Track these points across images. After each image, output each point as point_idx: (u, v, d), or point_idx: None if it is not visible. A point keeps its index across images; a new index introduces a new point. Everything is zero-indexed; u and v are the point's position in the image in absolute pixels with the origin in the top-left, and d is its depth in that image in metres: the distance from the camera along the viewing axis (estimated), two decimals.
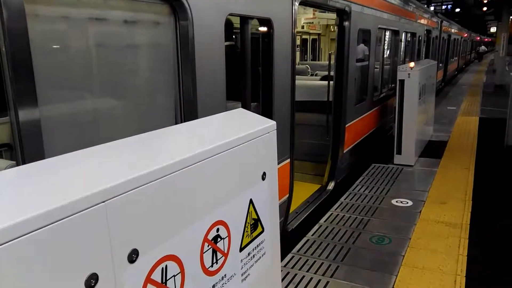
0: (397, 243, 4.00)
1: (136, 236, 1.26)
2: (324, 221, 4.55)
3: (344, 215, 4.68)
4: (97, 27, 2.25)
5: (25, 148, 1.74)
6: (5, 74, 1.64)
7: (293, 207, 4.49)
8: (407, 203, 4.99)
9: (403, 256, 3.75)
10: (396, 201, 5.04)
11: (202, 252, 1.57)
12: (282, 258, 3.70)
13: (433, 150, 7.33)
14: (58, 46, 2.05)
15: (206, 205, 1.58)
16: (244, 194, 1.82)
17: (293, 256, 3.80)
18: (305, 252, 3.87)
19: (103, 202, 1.13)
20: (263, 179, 1.95)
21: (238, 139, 1.72)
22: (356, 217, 4.61)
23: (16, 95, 1.66)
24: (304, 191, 5.32)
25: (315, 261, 3.70)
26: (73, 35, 2.10)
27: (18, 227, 0.94)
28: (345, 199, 5.19)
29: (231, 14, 2.97)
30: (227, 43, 2.98)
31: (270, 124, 1.98)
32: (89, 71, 2.21)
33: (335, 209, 4.88)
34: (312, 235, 4.22)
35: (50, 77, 1.93)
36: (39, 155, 1.76)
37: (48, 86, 1.90)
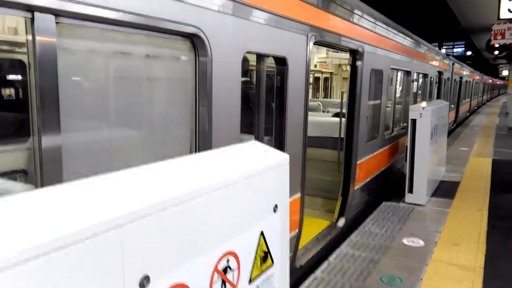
0: (408, 284, 3.90)
1: (148, 262, 1.28)
2: (334, 259, 4.48)
3: (354, 253, 4.61)
4: (121, 60, 2.35)
5: (44, 174, 1.79)
6: (33, 102, 1.72)
7: (302, 243, 4.45)
8: (419, 243, 4.90)
9: None
10: (408, 241, 4.96)
11: (212, 283, 1.57)
12: None
13: (445, 190, 7.25)
14: (82, 78, 2.15)
15: (217, 235, 1.60)
16: (256, 226, 1.84)
17: None
18: None
19: (120, 227, 1.16)
20: (275, 211, 1.97)
21: (251, 171, 1.76)
22: (366, 256, 4.53)
23: (42, 123, 1.73)
24: (314, 227, 5.27)
25: None
26: (97, 68, 2.21)
27: (32, 250, 0.97)
28: (355, 237, 5.12)
29: (248, 52, 3.08)
30: (243, 78, 3.08)
31: (283, 157, 2.02)
32: (110, 102, 2.30)
33: (345, 246, 4.81)
34: (321, 272, 4.15)
35: (73, 107, 2.02)
36: (58, 181, 1.82)
37: (71, 115, 1.98)
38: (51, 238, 1.00)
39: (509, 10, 10.74)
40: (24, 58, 1.80)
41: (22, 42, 1.83)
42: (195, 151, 2.66)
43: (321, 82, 14.54)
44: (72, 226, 1.07)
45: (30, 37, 1.72)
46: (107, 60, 2.27)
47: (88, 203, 1.23)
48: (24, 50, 1.81)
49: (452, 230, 5.32)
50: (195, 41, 2.54)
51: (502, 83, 60.79)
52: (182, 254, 1.42)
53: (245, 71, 3.68)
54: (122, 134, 2.37)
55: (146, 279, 1.27)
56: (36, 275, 0.97)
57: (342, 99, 5.64)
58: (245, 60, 3.07)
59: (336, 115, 6.93)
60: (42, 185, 1.77)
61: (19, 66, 2.79)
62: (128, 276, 1.21)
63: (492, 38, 12.75)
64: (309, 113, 4.80)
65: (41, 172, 1.79)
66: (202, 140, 2.65)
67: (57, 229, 1.04)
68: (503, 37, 12.38)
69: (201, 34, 2.51)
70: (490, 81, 47.38)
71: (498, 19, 10.95)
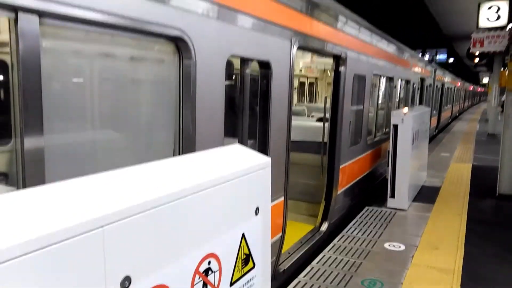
0: (389, 287, 3.96)
1: (129, 263, 1.29)
2: (317, 263, 4.51)
3: (336, 257, 4.66)
4: (105, 62, 2.35)
5: (27, 176, 1.78)
6: (15, 103, 1.71)
7: (285, 247, 4.47)
8: (400, 247, 4.98)
9: None
10: (389, 245, 5.03)
11: (193, 284, 1.58)
12: None
13: (426, 195, 7.38)
14: (66, 79, 2.14)
15: (199, 237, 1.61)
16: (237, 228, 1.86)
17: None
18: None
19: (101, 227, 1.17)
20: (257, 214, 1.99)
21: (233, 173, 1.78)
22: (349, 260, 4.59)
23: (24, 124, 1.72)
24: (297, 231, 5.31)
25: None
26: (80, 69, 2.20)
27: (14, 249, 0.97)
28: (338, 241, 5.17)
29: (232, 56, 3.11)
30: (226, 82, 3.10)
31: (265, 160, 2.04)
32: (94, 104, 2.29)
33: (328, 251, 4.85)
34: (304, 276, 4.18)
35: (56, 109, 2.01)
36: (41, 183, 1.80)
37: (54, 117, 1.97)
38: (32, 237, 1.01)
39: (487, 19, 11.03)
40: (7, 58, 1.78)
41: (5, 42, 1.82)
42: (179, 154, 2.66)
43: (306, 87, 14.66)
44: (54, 226, 1.07)
45: (13, 37, 1.71)
46: (92, 62, 2.27)
47: (70, 203, 1.24)
48: (7, 50, 1.80)
49: (432, 234, 5.42)
50: (179, 44, 2.56)
51: (483, 90, 62.21)
52: (164, 255, 1.43)
53: (229, 75, 3.71)
54: (105, 136, 2.37)
55: (127, 280, 1.28)
56: (16, 275, 0.97)
57: (325, 104, 5.70)
58: (229, 64, 3.10)
59: (320, 119, 7.00)
60: (24, 187, 1.76)
61: (1, 66, 2.76)
62: (110, 276, 1.22)
63: (471, 46, 13.06)
64: (293, 117, 4.84)
65: (23, 174, 1.77)
66: (185, 143, 2.66)
67: (38, 229, 1.04)
68: (481, 45, 12.69)
69: (185, 37, 2.53)
70: (471, 88, 48.37)
71: (477, 27, 11.23)
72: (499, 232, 5.73)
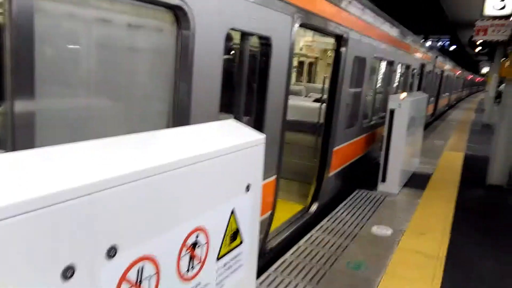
0: (374, 270, 4.03)
1: (116, 232, 1.28)
2: (304, 242, 4.57)
3: (324, 238, 4.71)
4: (101, 28, 2.29)
5: (16, 139, 1.75)
6: (6, 65, 1.67)
7: (274, 226, 4.51)
8: (387, 231, 5.04)
9: (379, 283, 3.78)
10: (377, 228, 5.09)
11: (179, 257, 1.59)
12: (259, 276, 3.70)
13: (417, 181, 7.44)
14: (60, 43, 2.08)
15: (188, 210, 1.61)
16: (227, 203, 1.86)
17: (269, 275, 3.80)
18: (281, 272, 3.88)
19: (89, 194, 1.15)
20: (247, 190, 1.99)
21: (225, 148, 1.77)
22: (336, 241, 4.64)
23: (15, 87, 1.68)
24: (286, 210, 5.35)
25: (290, 281, 3.71)
26: (75, 34, 2.14)
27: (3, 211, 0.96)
28: (326, 222, 5.22)
29: (232, 29, 3.04)
30: (225, 56, 3.05)
31: (259, 137, 2.02)
32: (88, 70, 2.24)
33: (316, 231, 4.91)
34: (291, 255, 4.24)
35: (49, 73, 1.96)
36: (30, 148, 1.78)
37: (46, 81, 1.93)
38: (17, 201, 0.99)
39: (493, 7, 10.89)
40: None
41: None
42: (173, 126, 2.63)
43: (306, 67, 14.52)
44: (40, 190, 1.05)
45: None
46: (87, 27, 2.21)
47: (58, 169, 1.22)
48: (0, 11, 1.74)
49: (420, 220, 5.49)
50: (178, 14, 2.49)
51: (482, 79, 62.00)
52: (151, 226, 1.43)
53: (228, 49, 3.64)
54: (98, 103, 2.33)
55: (113, 249, 1.27)
56: (2, 237, 0.96)
57: (323, 84, 5.65)
58: (228, 38, 3.04)
59: (317, 100, 6.96)
60: (14, 151, 1.73)
61: None
62: (96, 245, 1.21)
63: (474, 34, 12.94)
64: (291, 96, 4.80)
65: (13, 138, 1.74)
66: (180, 115, 2.63)
67: (24, 192, 1.03)
68: (485, 34, 12.57)
69: (185, 7, 2.46)
70: (471, 77, 48.21)
71: (482, 15, 11.10)
72: (485, 221, 5.82)
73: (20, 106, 1.74)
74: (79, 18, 2.14)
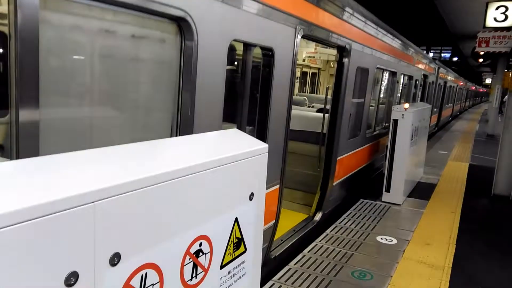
0: (379, 280, 3.99)
1: (120, 240, 1.28)
2: (308, 251, 4.54)
3: (328, 247, 4.68)
4: (105, 39, 2.32)
5: (21, 148, 1.77)
6: (11, 75, 1.69)
7: (278, 234, 4.49)
8: (392, 241, 5.00)
9: None
10: (381, 238, 5.06)
11: (183, 264, 1.59)
12: (263, 285, 3.67)
13: (421, 191, 7.40)
14: (65, 54, 2.11)
15: (191, 218, 1.61)
16: (231, 212, 1.86)
17: (273, 284, 3.78)
18: (286, 281, 3.85)
19: (92, 202, 1.16)
20: (251, 199, 1.99)
21: (229, 157, 1.77)
22: (340, 250, 4.61)
23: (20, 97, 1.71)
24: (291, 219, 5.33)
25: None
26: (80, 44, 2.18)
27: (4, 218, 0.97)
28: (330, 231, 5.20)
29: (235, 40, 3.07)
30: (228, 66, 3.08)
31: (262, 146, 2.03)
32: (92, 80, 2.27)
33: (320, 241, 4.88)
34: (295, 264, 4.21)
35: (53, 83, 1.99)
36: (34, 156, 1.79)
37: (51, 91, 1.95)
38: (21, 207, 1.00)
39: (495, 19, 10.94)
40: (4, 29, 1.76)
41: (3, 12, 1.79)
42: (176, 136, 2.65)
43: (309, 77, 14.59)
44: (44, 198, 1.06)
45: (12, 8, 1.68)
46: (92, 38, 2.24)
47: (63, 176, 1.23)
48: (5, 21, 1.77)
49: (425, 230, 5.45)
50: (182, 25, 2.53)
51: (485, 90, 61.96)
52: (155, 234, 1.43)
53: (231, 60, 3.68)
54: (101, 113, 2.35)
55: (117, 256, 1.27)
56: (5, 244, 0.96)
57: (326, 94, 5.68)
58: (231, 49, 3.07)
59: (320, 110, 6.98)
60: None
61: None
62: (99, 252, 1.21)
63: (476, 45, 12.97)
64: (294, 106, 4.83)
65: (17, 147, 1.76)
66: (183, 125, 2.65)
67: (28, 199, 1.03)
68: (487, 45, 12.60)
69: (188, 18, 2.50)
70: (473, 88, 48.21)
71: (484, 27, 11.15)
72: (491, 231, 5.77)
73: (25, 115, 1.76)
74: (83, 29, 2.17)
